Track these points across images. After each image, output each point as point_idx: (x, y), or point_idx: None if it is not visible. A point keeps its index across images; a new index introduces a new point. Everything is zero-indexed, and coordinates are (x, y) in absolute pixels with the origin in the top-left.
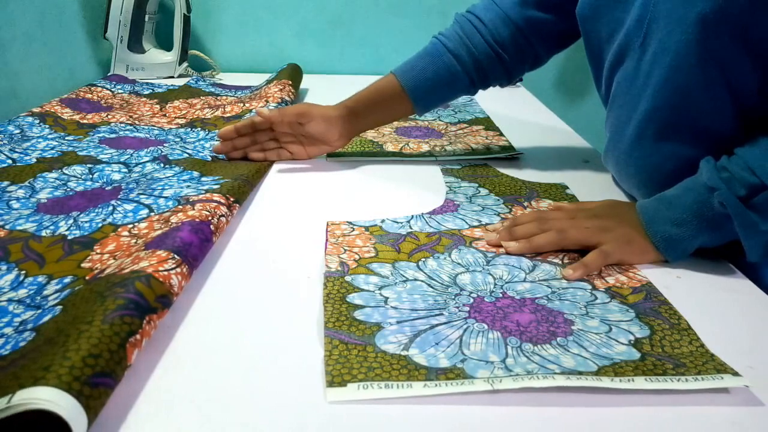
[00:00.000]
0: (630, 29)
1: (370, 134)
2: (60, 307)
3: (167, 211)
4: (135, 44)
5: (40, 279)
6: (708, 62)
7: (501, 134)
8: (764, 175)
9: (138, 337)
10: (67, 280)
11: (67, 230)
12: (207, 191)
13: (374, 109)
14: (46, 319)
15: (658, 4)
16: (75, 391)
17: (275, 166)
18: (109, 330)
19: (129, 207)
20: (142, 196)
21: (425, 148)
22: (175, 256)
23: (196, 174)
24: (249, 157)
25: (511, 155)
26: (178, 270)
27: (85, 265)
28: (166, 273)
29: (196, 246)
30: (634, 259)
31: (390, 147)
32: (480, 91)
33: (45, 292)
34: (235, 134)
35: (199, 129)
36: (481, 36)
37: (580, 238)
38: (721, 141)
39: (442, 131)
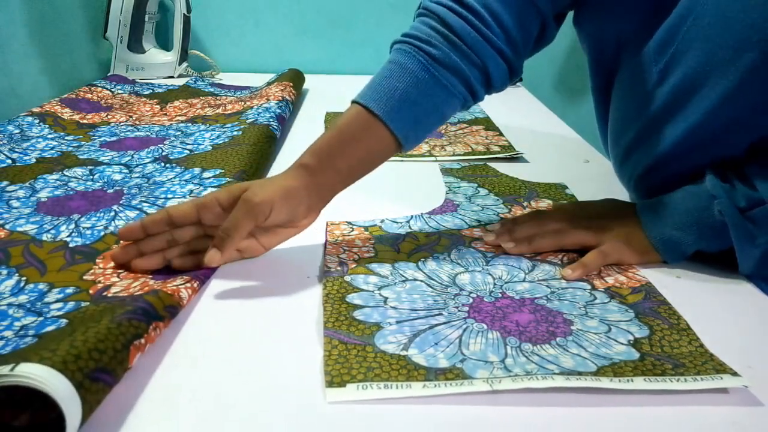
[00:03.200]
0: (649, 51)
1: None
2: (65, 320)
3: None
4: (135, 44)
5: (41, 286)
6: (744, 107)
7: (501, 134)
8: (765, 190)
9: (143, 341)
10: (70, 290)
11: (68, 236)
12: None
13: (340, 156)
14: (49, 329)
15: (694, 40)
16: (77, 382)
17: (274, 165)
18: (116, 329)
19: (131, 214)
20: (144, 204)
21: (425, 147)
22: (185, 276)
23: (197, 171)
24: (174, 266)
25: (511, 155)
26: (188, 285)
27: (87, 277)
28: (175, 287)
29: (204, 271)
30: (632, 259)
31: None
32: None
33: (46, 300)
34: (142, 233)
35: (200, 123)
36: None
37: (579, 238)
38: (729, 161)
39: (442, 131)
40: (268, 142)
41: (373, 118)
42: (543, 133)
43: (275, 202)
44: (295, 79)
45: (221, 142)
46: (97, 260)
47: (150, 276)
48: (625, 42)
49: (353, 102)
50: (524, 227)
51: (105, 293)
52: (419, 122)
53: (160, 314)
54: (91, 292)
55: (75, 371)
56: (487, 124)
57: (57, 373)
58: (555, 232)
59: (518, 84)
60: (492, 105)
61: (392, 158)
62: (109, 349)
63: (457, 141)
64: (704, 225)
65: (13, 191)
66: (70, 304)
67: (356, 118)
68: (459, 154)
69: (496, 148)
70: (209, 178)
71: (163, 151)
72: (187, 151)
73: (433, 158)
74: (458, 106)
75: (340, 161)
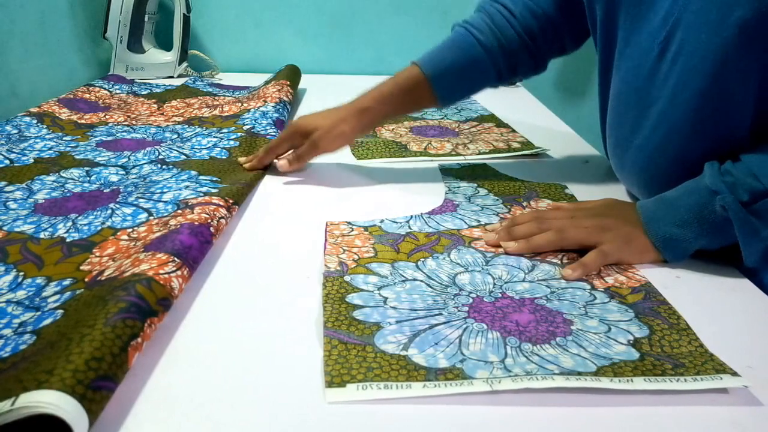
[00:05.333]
0: (653, 25)
1: (389, 135)
2: (61, 311)
3: (167, 215)
4: (135, 44)
5: (39, 281)
6: (738, 70)
7: (514, 131)
8: None
9: (139, 340)
10: (67, 282)
11: (65, 233)
12: (206, 194)
13: (392, 104)
14: (46, 322)
15: (689, 3)
16: (78, 395)
17: (273, 166)
18: (111, 333)
19: (128, 210)
20: (141, 200)
21: (448, 147)
22: (176, 258)
23: (193, 173)
24: (278, 165)
25: (535, 152)
26: (179, 273)
27: (84, 267)
28: (167, 276)
29: (196, 248)
30: (633, 258)
31: (414, 147)
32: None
33: (44, 294)
34: (261, 166)
35: (197, 126)
36: (511, 27)
37: (579, 237)
38: (729, 148)
39: (456, 129)
40: None
41: (423, 77)
42: (543, 133)
43: (328, 144)
44: (291, 76)
45: (218, 156)
46: (94, 250)
47: (142, 249)
48: (632, 18)
49: (413, 63)
50: (524, 227)
51: (99, 278)
52: (455, 86)
53: (153, 308)
54: (86, 280)
55: (75, 385)
56: (497, 121)
57: (58, 393)
58: (554, 231)
59: (518, 84)
60: (492, 105)
61: (392, 158)
62: (107, 355)
63: (476, 139)
64: (705, 221)
65: (10, 192)
66: (67, 294)
67: (409, 77)
68: (484, 152)
69: (516, 145)
70: (206, 180)
71: (159, 154)
72: (184, 157)
73: (462, 157)
74: (488, 79)
75: (388, 105)
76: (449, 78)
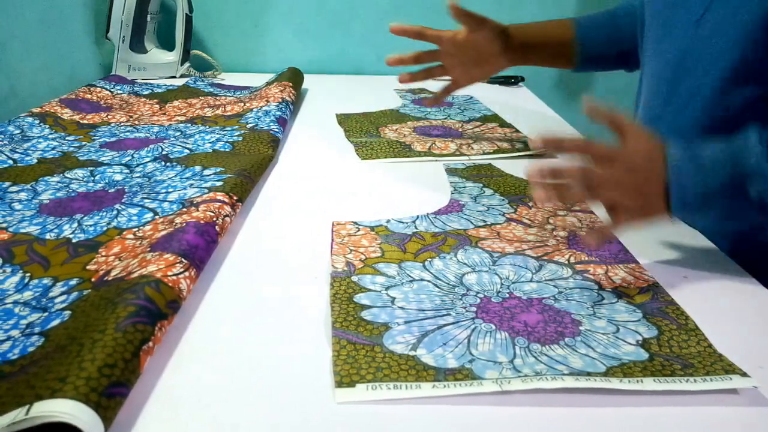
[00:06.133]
0: (690, 3)
1: (393, 135)
2: (69, 312)
3: (172, 214)
4: (137, 44)
5: (46, 281)
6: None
7: (517, 130)
8: None
9: (150, 344)
10: (73, 282)
11: (71, 234)
12: (210, 189)
13: (540, 43)
14: (54, 323)
15: None
16: (93, 403)
17: (277, 166)
18: (122, 338)
19: (133, 211)
20: (146, 200)
21: (452, 146)
22: (183, 259)
23: (198, 168)
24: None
25: (540, 152)
26: (186, 274)
27: (90, 267)
28: (174, 278)
29: (202, 248)
30: (639, 226)
31: (418, 147)
32: (483, 90)
33: (51, 294)
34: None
35: (200, 125)
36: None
37: (608, 203)
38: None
39: (459, 129)
40: (270, 146)
41: (572, 35)
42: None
43: (485, 27)
44: (294, 78)
45: (222, 149)
46: (100, 250)
47: (149, 249)
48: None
49: (573, 18)
50: (572, 176)
51: (106, 278)
52: (598, 59)
53: (163, 312)
54: (93, 280)
55: (89, 393)
56: (500, 121)
57: (72, 402)
58: (588, 193)
59: (520, 84)
60: (493, 104)
61: (396, 158)
62: (119, 361)
63: (480, 139)
64: (730, 197)
65: (15, 192)
66: (74, 295)
67: (563, 29)
68: (488, 152)
69: (520, 145)
70: (210, 174)
71: (163, 150)
72: (188, 151)
73: (466, 157)
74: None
75: (535, 41)
76: (597, 51)
